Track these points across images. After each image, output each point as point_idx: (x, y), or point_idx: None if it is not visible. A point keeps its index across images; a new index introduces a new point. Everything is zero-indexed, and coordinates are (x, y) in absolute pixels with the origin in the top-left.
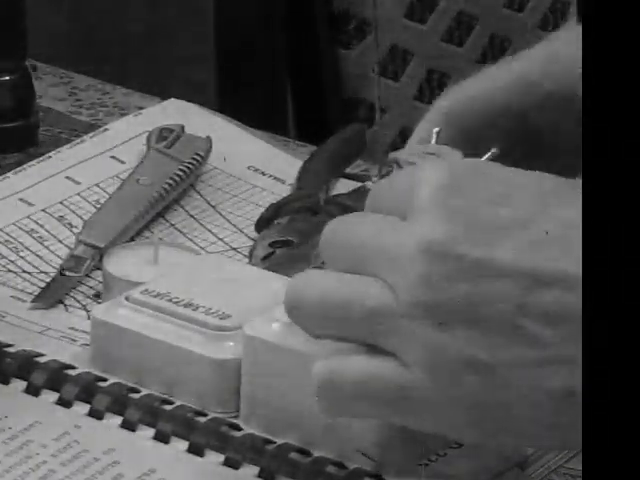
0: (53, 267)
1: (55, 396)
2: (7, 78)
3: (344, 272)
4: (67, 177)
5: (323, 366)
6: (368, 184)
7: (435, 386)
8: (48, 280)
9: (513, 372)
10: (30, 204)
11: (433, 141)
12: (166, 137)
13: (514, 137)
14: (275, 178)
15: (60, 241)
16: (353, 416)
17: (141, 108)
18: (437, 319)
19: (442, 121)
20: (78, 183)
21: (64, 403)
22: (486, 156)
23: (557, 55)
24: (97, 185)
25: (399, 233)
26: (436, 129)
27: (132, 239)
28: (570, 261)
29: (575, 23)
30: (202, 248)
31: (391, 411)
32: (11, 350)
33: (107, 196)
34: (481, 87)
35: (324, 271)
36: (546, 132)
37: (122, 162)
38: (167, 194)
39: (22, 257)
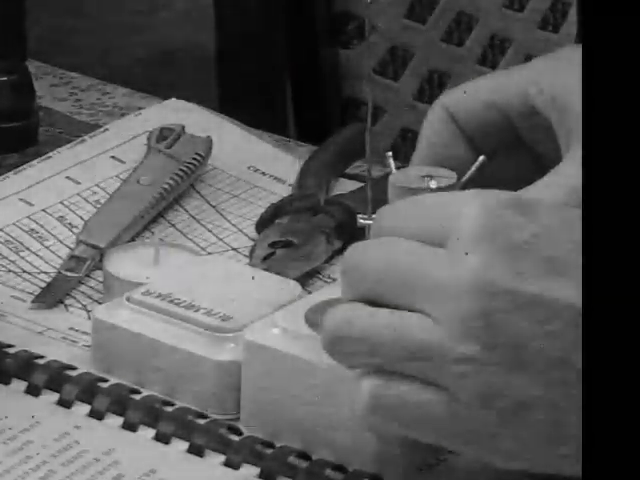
0: (53, 267)
1: (55, 396)
2: (7, 78)
3: (370, 300)
4: (67, 177)
5: (371, 386)
6: (360, 220)
7: (486, 420)
8: (48, 280)
9: (566, 408)
10: (30, 204)
11: (392, 167)
12: (166, 137)
13: (513, 145)
14: (275, 178)
15: (60, 241)
16: (396, 435)
17: (141, 108)
18: (492, 356)
19: (446, 118)
20: (78, 183)
21: (64, 404)
22: (475, 165)
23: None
24: (97, 185)
25: (448, 266)
26: (389, 153)
27: (132, 239)
28: None
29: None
30: (202, 248)
31: (437, 436)
32: (11, 350)
33: (107, 196)
34: (491, 92)
35: (365, 305)
36: (548, 151)
37: (122, 162)
38: (167, 194)
39: (22, 257)
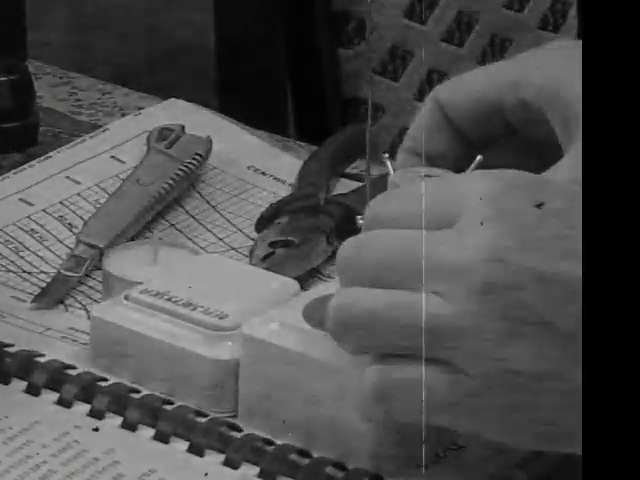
0: (53, 267)
1: (55, 396)
2: (7, 78)
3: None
4: (67, 177)
5: (376, 373)
6: (360, 220)
7: (494, 395)
8: (48, 280)
9: (570, 383)
10: (30, 204)
11: (390, 168)
12: (166, 137)
13: (506, 134)
14: (275, 178)
15: (60, 241)
16: (402, 421)
17: (141, 108)
18: (501, 331)
19: (438, 112)
20: (78, 183)
21: (64, 403)
22: (473, 165)
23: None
24: (97, 185)
25: (456, 244)
26: (386, 155)
27: (132, 239)
28: None
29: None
30: (202, 248)
31: (444, 416)
32: (11, 350)
33: (107, 196)
34: (481, 84)
35: (370, 289)
36: (541, 139)
37: (122, 162)
38: (167, 194)
39: (22, 257)
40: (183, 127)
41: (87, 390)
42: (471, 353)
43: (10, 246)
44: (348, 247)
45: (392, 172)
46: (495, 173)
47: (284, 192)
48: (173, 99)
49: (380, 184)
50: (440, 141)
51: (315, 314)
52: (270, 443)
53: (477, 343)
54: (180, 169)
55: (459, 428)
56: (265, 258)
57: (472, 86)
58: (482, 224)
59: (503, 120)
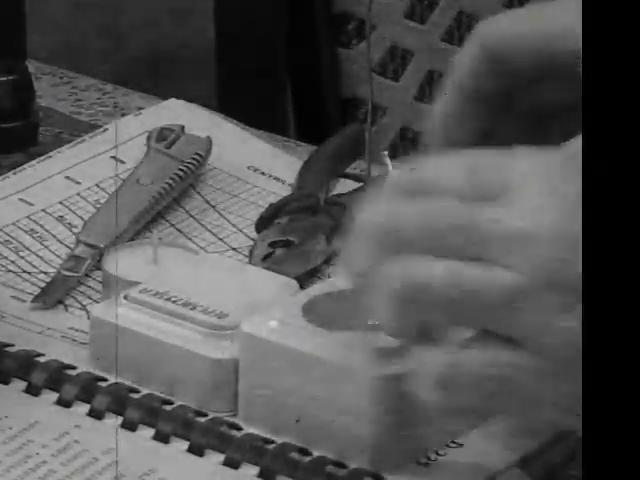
0: (53, 267)
1: (55, 396)
2: (7, 78)
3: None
4: (67, 177)
5: (442, 359)
6: (384, 154)
7: (563, 373)
8: (48, 280)
9: None
10: (30, 204)
11: (389, 166)
12: (166, 137)
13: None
14: (275, 178)
15: (60, 241)
16: (467, 407)
17: (141, 108)
18: (572, 301)
19: (480, 55)
20: (78, 183)
21: (64, 403)
22: None
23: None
24: (97, 185)
25: (527, 217)
26: (385, 152)
27: (132, 239)
28: None
29: None
30: (202, 248)
31: (514, 401)
32: (11, 350)
33: (107, 196)
34: (533, 26)
35: (434, 260)
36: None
37: (122, 162)
38: (167, 194)
39: (22, 257)
40: (183, 127)
41: (87, 390)
42: (547, 328)
43: (10, 246)
44: (383, 213)
45: (391, 169)
46: (551, 151)
47: (284, 192)
48: (173, 99)
49: (380, 184)
50: (483, 91)
51: (315, 312)
52: (270, 442)
53: (550, 317)
54: (180, 169)
55: (514, 412)
56: (265, 258)
57: (521, 38)
58: (548, 200)
59: (555, 65)
